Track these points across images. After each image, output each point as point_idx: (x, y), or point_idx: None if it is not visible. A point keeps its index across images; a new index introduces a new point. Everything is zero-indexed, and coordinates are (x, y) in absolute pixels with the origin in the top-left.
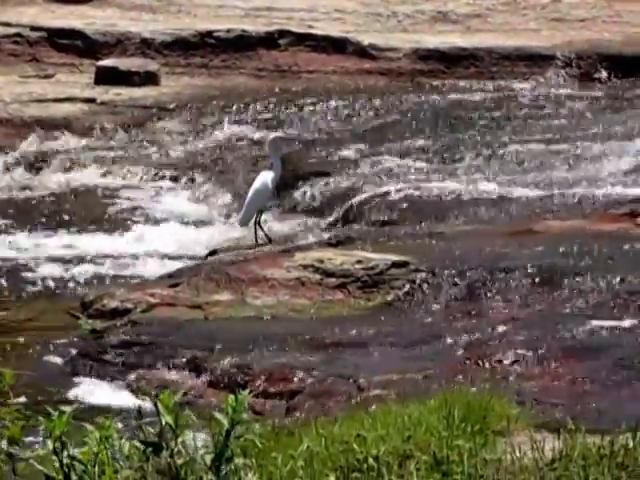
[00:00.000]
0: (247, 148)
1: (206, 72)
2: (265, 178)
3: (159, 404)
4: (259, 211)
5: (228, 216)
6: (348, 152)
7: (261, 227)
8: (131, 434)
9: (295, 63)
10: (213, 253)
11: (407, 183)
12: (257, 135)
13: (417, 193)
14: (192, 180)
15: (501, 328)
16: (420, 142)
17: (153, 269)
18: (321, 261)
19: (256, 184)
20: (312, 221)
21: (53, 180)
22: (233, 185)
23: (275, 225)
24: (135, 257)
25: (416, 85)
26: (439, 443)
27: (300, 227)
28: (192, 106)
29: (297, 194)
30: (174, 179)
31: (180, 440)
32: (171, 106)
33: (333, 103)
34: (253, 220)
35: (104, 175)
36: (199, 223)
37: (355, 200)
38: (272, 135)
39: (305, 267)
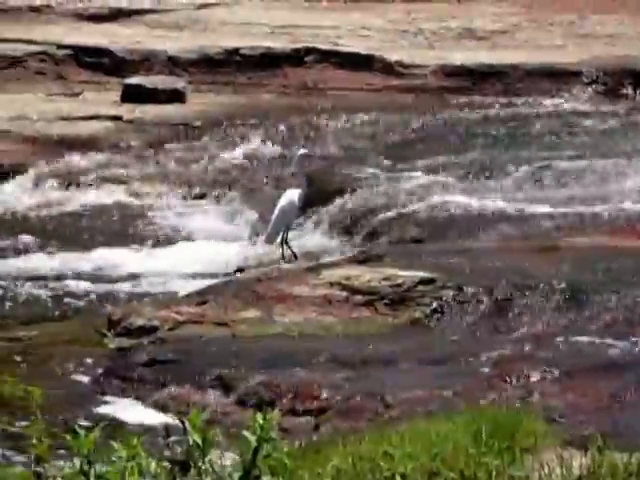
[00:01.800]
0: (273, 165)
1: (232, 89)
2: (291, 195)
3: (187, 422)
4: (286, 228)
5: (255, 233)
6: (374, 169)
7: (288, 244)
8: (159, 453)
9: (321, 80)
10: (240, 270)
11: (434, 200)
12: (283, 152)
13: (444, 210)
14: (219, 197)
15: (528, 345)
16: (447, 159)
17: (180, 287)
18: (348, 278)
19: (282, 201)
20: (339, 238)
21: (81, 198)
22: (260, 202)
23: (302, 242)
24: (162, 275)
25: (442, 101)
26: (467, 460)
27: (327, 244)
28: (218, 123)
29: (324, 211)
30: (201, 196)
31: (208, 459)
32: (197, 123)
33: (359, 120)
34: (280, 237)
35: (131, 193)
36: (226, 240)
37: (382, 217)
38: (298, 152)
39: (332, 284)
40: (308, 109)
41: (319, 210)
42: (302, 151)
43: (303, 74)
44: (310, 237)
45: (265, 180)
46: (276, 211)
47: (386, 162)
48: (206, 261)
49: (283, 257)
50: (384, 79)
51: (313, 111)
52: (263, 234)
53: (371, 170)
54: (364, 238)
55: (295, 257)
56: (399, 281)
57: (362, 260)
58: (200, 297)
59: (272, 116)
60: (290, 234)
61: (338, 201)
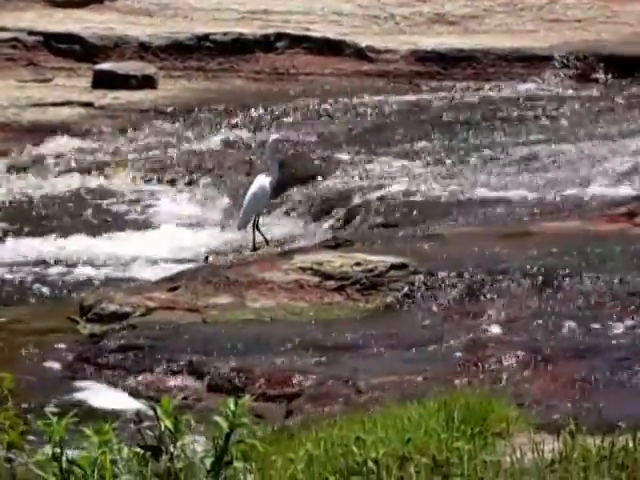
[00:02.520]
0: (244, 151)
1: (203, 75)
2: (263, 181)
3: (158, 408)
4: (257, 214)
5: (226, 219)
6: (346, 154)
7: (259, 230)
8: (131, 438)
9: (292, 65)
10: (211, 256)
11: (405, 185)
12: (255, 138)
13: (415, 195)
14: (190, 183)
15: (500, 330)
16: (418, 144)
17: (151, 273)
18: (320, 264)
19: (254, 187)
20: (311, 223)
21: (51, 184)
22: (231, 188)
23: (273, 228)
24: (133, 260)
25: (414, 87)
26: (439, 445)
27: (298, 230)
28: (190, 109)
29: (295, 197)
30: (172, 182)
31: (180, 444)
32: (168, 109)
33: (331, 105)
34: (251, 223)
35: (102, 178)
36: (197, 226)
37: (353, 202)
38: (270, 137)
39: (304, 270)
40: (280, 94)
41: (291, 195)
42: (274, 136)
43: (274, 59)
44: (282, 223)
45: (236, 166)
46: (247, 197)
47: (358, 147)
48: (177, 247)
49: (254, 243)
50: (355, 64)
51: (285, 96)
52: (235, 220)
53: (344, 155)
54: (336, 223)
55: (267, 243)
56: (371, 266)
57: (334, 245)
58: (171, 283)
59: (244, 102)
60: (261, 220)
61: (310, 186)
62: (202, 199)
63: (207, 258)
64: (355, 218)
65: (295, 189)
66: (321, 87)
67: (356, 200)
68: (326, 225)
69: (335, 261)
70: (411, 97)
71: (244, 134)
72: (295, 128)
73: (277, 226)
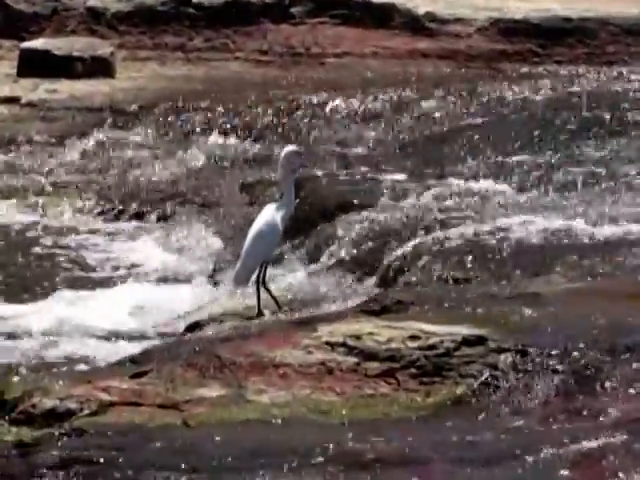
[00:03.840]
0: (244, 170)
1: (183, 57)
2: (272, 214)
3: None
4: (264, 263)
5: (217, 271)
6: (394, 175)
7: (266, 287)
8: None
9: (315, 42)
10: (195, 326)
11: (482, 219)
12: (259, 150)
13: (497, 234)
14: (163, 218)
15: (624, 436)
16: (503, 159)
17: (107, 350)
18: (357, 337)
19: (259, 224)
20: (343, 277)
21: None
22: (223, 224)
23: (288, 284)
24: (81, 332)
25: (495, 74)
26: None
27: (325, 286)
28: (162, 108)
29: (321, 237)
30: (137, 216)
31: None
32: (131, 108)
33: (372, 102)
34: (255, 277)
35: (33, 210)
36: (174, 282)
37: (407, 246)
38: (284, 150)
39: (333, 346)
40: (297, 85)
41: (314, 235)
42: (289, 148)
43: (289, 33)
44: (301, 276)
45: (232, 191)
46: (249, 237)
47: (409, 164)
48: (145, 312)
49: (259, 305)
50: (409, 40)
51: (304, 88)
52: (230, 272)
53: (393, 176)
54: (379, 277)
55: (278, 306)
56: (433, 341)
57: (378, 310)
58: (137, 366)
59: (243, 96)
60: (270, 271)
61: (343, 221)
62: (181, 241)
63: (190, 329)
64: (409, 269)
65: (320, 226)
66: (359, 74)
67: (411, 242)
68: (365, 280)
69: (380, 333)
70: (491, 88)
71: (242, 145)
72: (320, 136)
73: (293, 281)
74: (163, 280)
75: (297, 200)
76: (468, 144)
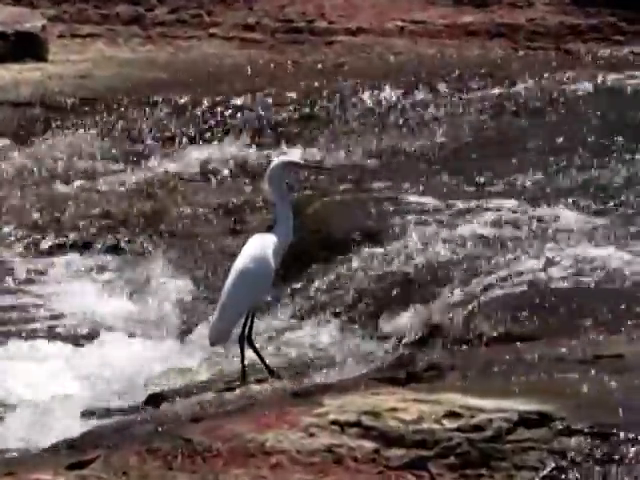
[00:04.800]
0: (224, 187)
1: (140, 33)
2: (261, 247)
3: None
4: (249, 313)
5: (187, 323)
6: (423, 195)
7: (252, 345)
8: None
9: (321, 14)
10: (157, 398)
11: (540, 255)
12: (244, 161)
13: (561, 275)
14: (114, 250)
15: None
16: (564, 174)
17: (38, 431)
18: (376, 414)
19: (244, 259)
20: (355, 332)
21: None
22: (196, 260)
23: (283, 340)
24: (2, 406)
25: (565, 57)
26: None
27: (333, 344)
28: (111, 103)
29: (326, 278)
30: (79, 248)
31: None
32: (70, 102)
33: (395, 97)
34: (238, 331)
35: None
36: (130, 337)
37: (440, 292)
38: (275, 161)
39: (344, 426)
40: (294, 74)
41: (315, 275)
42: (282, 158)
43: (283, 1)
44: (298, 330)
45: (207, 217)
46: (231, 277)
47: (442, 182)
48: (90, 378)
49: (244, 369)
50: (448, 12)
51: (304, 78)
52: (204, 324)
53: (413, 198)
54: (407, 335)
55: (269, 371)
56: (478, 420)
57: (402, 378)
58: (77, 452)
59: (221, 87)
60: (258, 323)
61: (356, 258)
62: (139, 282)
63: (150, 402)
64: (445, 322)
65: (325, 263)
66: (379, 59)
67: (446, 286)
68: (386, 335)
69: (406, 409)
70: (560, 78)
71: (223, 152)
72: (326, 142)
73: (290, 337)
74: (114, 336)
75: (295, 228)
76: (521, 155)
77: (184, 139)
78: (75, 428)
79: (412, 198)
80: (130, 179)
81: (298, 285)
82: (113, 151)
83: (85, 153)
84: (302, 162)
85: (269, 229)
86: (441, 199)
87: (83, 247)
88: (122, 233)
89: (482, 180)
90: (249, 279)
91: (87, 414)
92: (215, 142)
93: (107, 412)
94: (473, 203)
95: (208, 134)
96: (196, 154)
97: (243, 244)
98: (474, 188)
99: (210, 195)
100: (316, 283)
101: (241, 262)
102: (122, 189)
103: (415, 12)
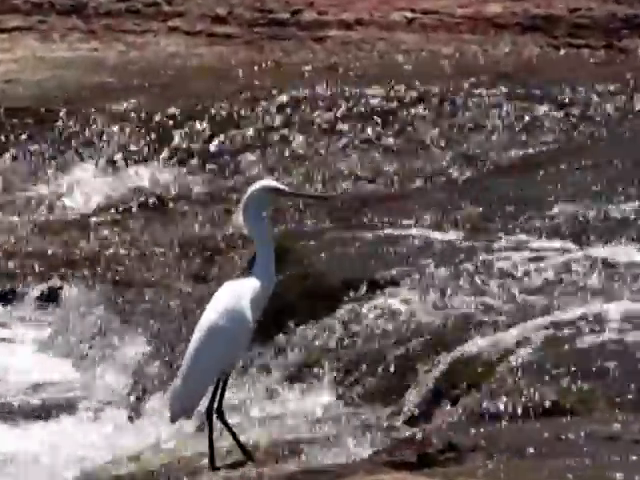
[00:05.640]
0: (187, 219)
1: (82, 27)
2: (236, 298)
3: None
4: (220, 380)
5: (141, 395)
6: (435, 232)
7: (224, 420)
8: None
9: (308, 2)
10: None
11: (590, 308)
12: (212, 187)
13: (618, 332)
14: (48, 299)
15: None
16: (630, 207)
17: None
18: None
19: (213, 313)
20: (353, 403)
21: None
22: (152, 314)
23: (264, 414)
24: None
25: (615, 56)
26: None
27: (325, 418)
28: (45, 114)
29: (316, 336)
30: (8, 296)
31: None
32: None
33: (403, 106)
34: (208, 404)
35: None
36: (65, 413)
37: (457, 352)
38: (253, 186)
39: None
40: (275, 77)
41: (302, 333)
42: (263, 183)
43: None
44: (281, 399)
45: (166, 255)
46: (197, 336)
47: (460, 213)
48: (13, 468)
49: (212, 452)
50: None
51: (288, 83)
52: (162, 395)
53: (425, 233)
54: (412, 404)
55: (245, 452)
56: None
57: (412, 462)
58: None
59: (183, 95)
60: (231, 394)
61: (347, 312)
62: (79, 341)
63: None
64: (463, 392)
65: (313, 317)
66: (382, 59)
67: (465, 345)
68: (390, 407)
69: None
70: (614, 80)
71: (185, 176)
72: (316, 163)
73: (272, 409)
74: (45, 412)
75: (278, 274)
76: (563, 179)
77: (137, 158)
78: None
79: (421, 234)
80: (64, 210)
81: (280, 344)
82: (45, 173)
83: (7, 176)
84: (287, 189)
85: (244, 275)
86: (458, 235)
87: (8, 296)
88: (56, 278)
89: (511, 210)
90: (220, 338)
91: None
92: (175, 164)
93: None
94: (499, 239)
95: (164, 153)
96: (146, 176)
97: (211, 293)
98: (501, 220)
99: (166, 229)
100: (303, 341)
101: (210, 316)
102: (57, 224)
103: (426, 0)
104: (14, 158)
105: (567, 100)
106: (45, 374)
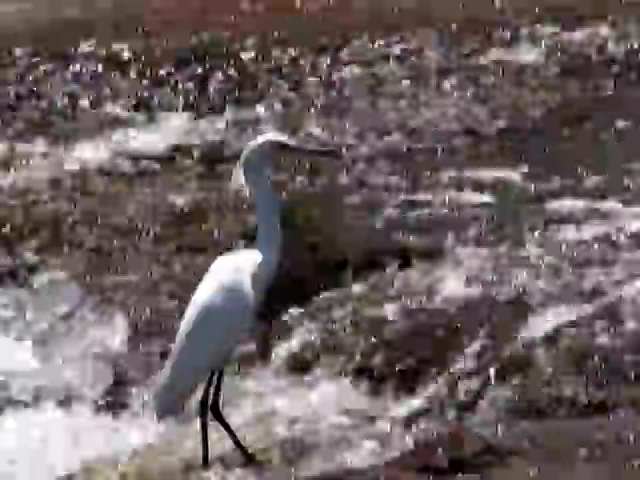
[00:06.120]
0: (167, 181)
1: None
2: (234, 272)
3: None
4: (215, 371)
5: (120, 387)
6: (464, 193)
7: (220, 416)
8: None
9: None
10: None
11: None
12: (206, 143)
13: None
14: (12, 276)
15: None
16: None
17: None
18: None
19: (208, 290)
20: (371, 394)
21: None
22: (131, 290)
23: (265, 407)
24: None
25: None
26: None
27: (338, 413)
28: (8, 56)
29: (325, 316)
30: None
31: None
32: None
33: (418, 45)
34: (201, 398)
35: None
36: (34, 408)
37: (494, 337)
38: (257, 140)
39: None
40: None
41: (311, 311)
42: (268, 137)
43: None
44: (287, 393)
45: (141, 223)
46: (188, 320)
47: (500, 171)
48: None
49: (206, 453)
50: None
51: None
52: (148, 389)
53: (450, 198)
54: (440, 393)
55: (245, 453)
56: None
57: (440, 467)
58: None
59: (169, 32)
60: (229, 385)
61: (364, 285)
62: (48, 327)
63: None
64: (501, 384)
65: (325, 294)
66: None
67: (503, 329)
68: (416, 403)
69: None
70: None
71: (165, 128)
72: (318, 112)
73: (274, 404)
74: (12, 408)
75: (284, 244)
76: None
77: (107, 111)
78: None
79: (447, 197)
80: (28, 171)
81: (286, 328)
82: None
83: None
84: (294, 143)
85: (245, 247)
86: (492, 198)
87: None
88: (21, 250)
89: (552, 171)
90: (215, 321)
91: None
92: (157, 116)
93: None
94: (539, 206)
95: (146, 104)
96: (121, 134)
97: (206, 268)
98: (541, 182)
99: (154, 193)
100: (313, 324)
101: (204, 296)
102: (16, 185)
103: None
104: None
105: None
106: (5, 362)
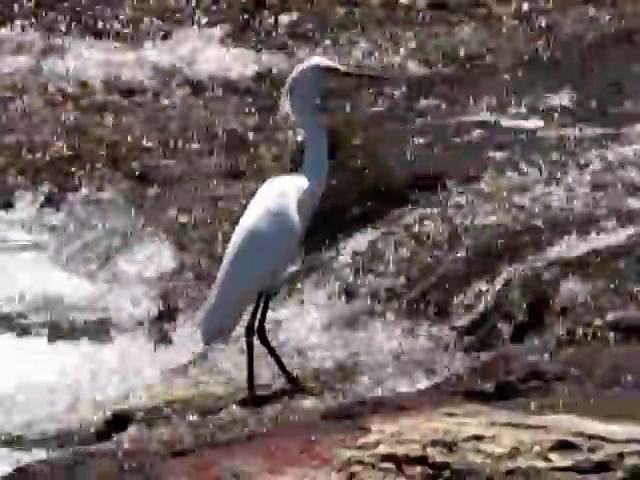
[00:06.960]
0: (213, 105)
1: None
2: (281, 197)
3: None
4: (261, 296)
5: (168, 312)
6: (517, 120)
7: (266, 341)
8: None
9: None
10: (122, 420)
11: None
12: (256, 69)
13: None
14: (58, 202)
15: None
16: None
17: None
18: (450, 445)
19: (255, 215)
20: (415, 322)
21: None
22: (178, 215)
23: (311, 334)
24: None
25: None
26: None
27: (381, 341)
28: None
29: (371, 246)
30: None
31: None
32: None
33: None
34: (248, 323)
35: None
36: (84, 331)
37: (540, 262)
38: (305, 64)
39: (401, 464)
40: None
41: (356, 240)
42: (317, 60)
43: None
44: (332, 317)
45: (189, 147)
46: (235, 245)
47: (557, 99)
48: (31, 392)
49: (251, 380)
50: None
51: None
52: (194, 313)
53: (503, 124)
54: (493, 324)
55: (288, 376)
56: (603, 454)
57: (490, 392)
58: None
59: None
60: (274, 312)
61: (410, 214)
62: (95, 252)
63: (113, 426)
64: (549, 310)
65: (371, 223)
66: None
67: (549, 251)
68: (461, 328)
69: (495, 438)
70: None
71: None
72: (367, 37)
73: (319, 328)
74: (63, 330)
75: (330, 170)
76: None
77: (142, 28)
78: (6, 463)
79: (500, 123)
80: (71, 90)
81: (332, 255)
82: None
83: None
84: (343, 68)
85: (292, 172)
86: (547, 125)
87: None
88: (65, 176)
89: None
90: (262, 246)
91: (26, 442)
92: (194, 31)
93: (54, 439)
94: (590, 129)
95: (202, 21)
96: (160, 52)
97: (252, 193)
98: (593, 106)
99: (199, 116)
100: (357, 253)
101: (250, 221)
102: (59, 107)
103: None
104: (22, 29)
105: None
106: (53, 287)
